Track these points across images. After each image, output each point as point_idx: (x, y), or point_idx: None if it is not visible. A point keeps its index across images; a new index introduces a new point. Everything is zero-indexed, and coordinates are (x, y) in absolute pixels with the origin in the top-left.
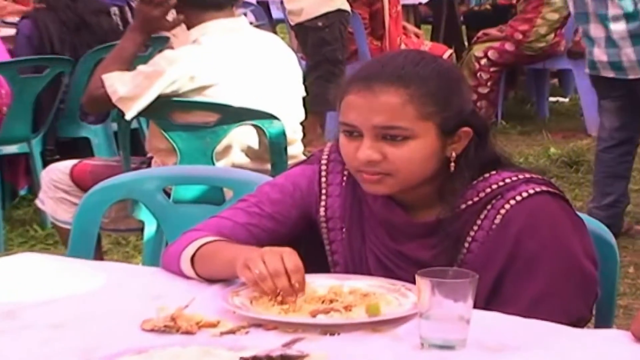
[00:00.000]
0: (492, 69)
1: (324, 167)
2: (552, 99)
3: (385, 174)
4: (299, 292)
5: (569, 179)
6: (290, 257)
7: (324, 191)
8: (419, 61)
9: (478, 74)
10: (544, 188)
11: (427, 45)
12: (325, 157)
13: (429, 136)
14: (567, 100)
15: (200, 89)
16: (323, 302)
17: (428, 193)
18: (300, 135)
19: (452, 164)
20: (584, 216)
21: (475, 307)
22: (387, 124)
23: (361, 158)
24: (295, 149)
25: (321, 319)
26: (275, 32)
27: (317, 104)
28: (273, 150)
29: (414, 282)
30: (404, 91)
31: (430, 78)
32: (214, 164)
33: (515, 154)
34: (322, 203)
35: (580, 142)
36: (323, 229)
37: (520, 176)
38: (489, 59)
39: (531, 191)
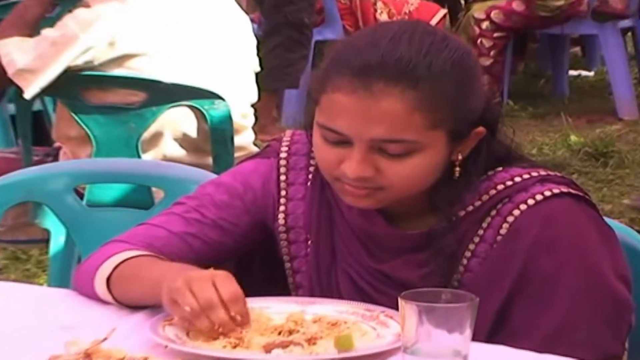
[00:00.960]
0: (496, 35)
1: (283, 162)
2: (572, 72)
3: (376, 188)
4: (244, 325)
5: (594, 175)
6: (224, 284)
7: (283, 193)
8: (429, 46)
9: (478, 41)
10: (564, 189)
11: (412, 3)
12: (285, 148)
13: (436, 146)
14: (591, 74)
15: (123, 59)
16: (280, 333)
17: (419, 200)
18: (252, 120)
19: (457, 169)
20: (613, 223)
21: (476, 339)
22: (388, 137)
23: (348, 173)
24: (245, 139)
25: (278, 354)
26: None
27: (273, 80)
28: (215, 139)
29: (397, 307)
30: (412, 94)
31: (444, 73)
32: (139, 156)
33: (526, 143)
34: (282, 208)
35: (609, 128)
36: (282, 241)
37: (534, 173)
38: (492, 21)
39: (547, 193)
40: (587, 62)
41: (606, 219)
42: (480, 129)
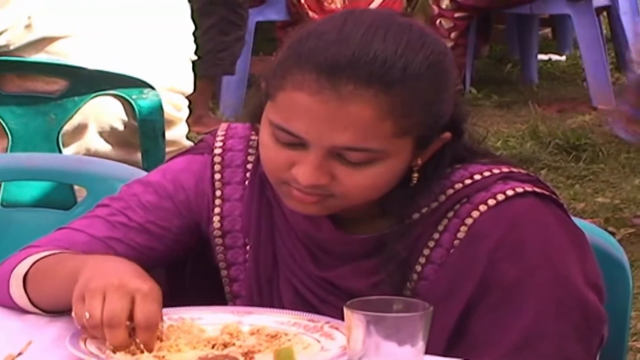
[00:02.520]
0: (457, 15)
1: (217, 159)
2: (542, 57)
3: (328, 195)
4: (148, 348)
5: (566, 171)
6: (143, 305)
7: (218, 193)
8: (405, 45)
9: (437, 22)
10: (528, 187)
11: None
12: (220, 144)
13: (401, 154)
14: (563, 58)
15: (42, 43)
16: (214, 346)
17: (370, 204)
18: (186, 113)
19: (415, 176)
20: (585, 225)
21: (432, 352)
22: (352, 145)
23: (301, 180)
24: (177, 132)
25: None
26: None
27: (207, 66)
28: (145, 132)
29: (343, 318)
30: (384, 99)
31: (419, 76)
32: (60, 151)
33: (490, 135)
34: (217, 210)
35: (582, 118)
36: (218, 246)
37: (495, 171)
38: (453, 0)
39: (510, 192)
40: (558, 45)
41: (577, 220)
42: (447, 134)
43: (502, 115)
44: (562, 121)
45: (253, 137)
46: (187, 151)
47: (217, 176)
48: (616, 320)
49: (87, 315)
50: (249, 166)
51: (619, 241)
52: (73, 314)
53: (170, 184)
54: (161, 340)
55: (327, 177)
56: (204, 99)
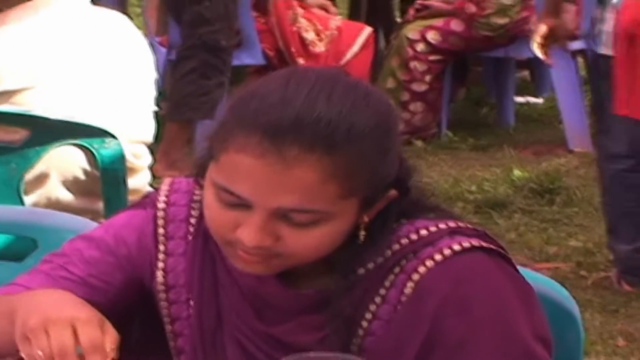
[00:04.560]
0: (432, 58)
1: (161, 214)
2: (519, 99)
3: (273, 255)
4: None
5: (539, 214)
6: (84, 330)
7: (162, 248)
8: (350, 106)
9: (411, 65)
10: (475, 242)
11: (337, 20)
12: (164, 198)
13: (347, 215)
14: (540, 101)
15: (4, 96)
16: None
17: (317, 260)
18: (147, 160)
19: (362, 233)
20: (536, 277)
21: None
22: (297, 207)
23: (245, 241)
24: (139, 180)
25: None
26: (125, 8)
27: (186, 109)
28: (107, 181)
29: None
30: (328, 161)
31: (364, 137)
32: (21, 199)
33: (465, 178)
34: (160, 265)
35: (557, 162)
36: (162, 301)
37: (442, 226)
38: (428, 43)
39: (457, 247)
40: (536, 87)
41: (527, 273)
42: (393, 192)
43: (477, 159)
44: (537, 164)
45: (197, 192)
46: (131, 206)
47: (161, 231)
48: None
49: (40, 353)
50: (193, 220)
51: (590, 286)
52: (24, 355)
53: (112, 239)
54: None
55: (271, 238)
56: (179, 143)
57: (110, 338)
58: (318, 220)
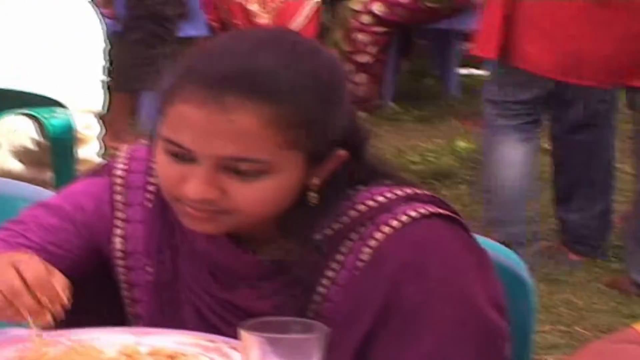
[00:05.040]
0: (376, 30)
1: (119, 181)
2: (463, 71)
3: (221, 212)
4: (56, 305)
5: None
6: (28, 267)
7: (120, 215)
8: (292, 58)
9: (355, 36)
10: (432, 209)
11: None
12: (122, 166)
13: (291, 168)
14: (484, 73)
15: None
16: None
17: (272, 224)
18: (97, 130)
19: (313, 195)
20: (489, 243)
21: None
22: (238, 155)
23: (190, 194)
24: (89, 151)
25: None
26: None
27: (131, 80)
28: (56, 151)
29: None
30: (268, 109)
31: (306, 88)
32: None
33: (408, 149)
34: (119, 232)
35: None
36: (120, 268)
37: (399, 192)
38: (373, 14)
39: (414, 214)
40: (479, 59)
41: (480, 238)
42: (342, 152)
43: (421, 130)
44: (481, 135)
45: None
46: (89, 174)
47: (119, 198)
48: (520, 337)
49: None
50: (151, 188)
51: (533, 255)
52: None
53: (70, 206)
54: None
55: (216, 192)
56: (123, 114)
57: (59, 281)
58: (261, 172)
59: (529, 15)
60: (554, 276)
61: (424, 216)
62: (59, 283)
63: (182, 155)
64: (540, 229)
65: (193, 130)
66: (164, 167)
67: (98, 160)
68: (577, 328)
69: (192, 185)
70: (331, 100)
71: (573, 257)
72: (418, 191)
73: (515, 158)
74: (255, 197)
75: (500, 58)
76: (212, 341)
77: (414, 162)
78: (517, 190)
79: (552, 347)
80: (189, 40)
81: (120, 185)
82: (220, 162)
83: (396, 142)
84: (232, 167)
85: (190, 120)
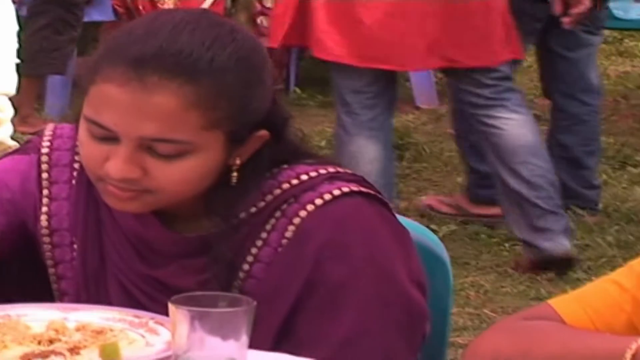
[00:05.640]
0: None
1: (44, 159)
2: None
3: (143, 191)
4: None
5: None
6: None
7: (45, 192)
8: (213, 39)
9: (259, 20)
10: (354, 187)
11: None
12: (47, 144)
13: (212, 149)
14: None
15: None
16: (40, 342)
17: (196, 203)
18: (10, 113)
19: (234, 175)
20: (408, 223)
21: (259, 349)
22: (159, 136)
23: (112, 173)
24: (2, 133)
25: None
26: None
27: (38, 65)
28: None
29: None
30: (190, 90)
31: (227, 69)
32: None
33: (314, 134)
34: (44, 209)
35: (405, 118)
36: (46, 245)
37: (322, 171)
38: None
39: (336, 192)
40: None
41: (401, 218)
42: (263, 132)
43: (326, 115)
44: None
45: None
46: (14, 152)
47: (45, 175)
48: (438, 316)
49: None
50: (76, 165)
51: (441, 239)
52: None
53: None
54: None
55: (138, 171)
56: (30, 98)
57: None
58: (182, 152)
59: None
60: (462, 259)
61: (346, 194)
62: None
63: (104, 135)
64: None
65: (115, 110)
66: (87, 147)
67: (11, 143)
68: (485, 310)
69: (114, 165)
70: (252, 81)
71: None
72: (340, 170)
73: (370, 154)
74: (176, 176)
75: None
76: (137, 317)
77: (320, 147)
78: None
79: (461, 329)
80: (95, 25)
81: (45, 163)
82: (142, 142)
83: (301, 127)
84: (153, 147)
85: (112, 100)
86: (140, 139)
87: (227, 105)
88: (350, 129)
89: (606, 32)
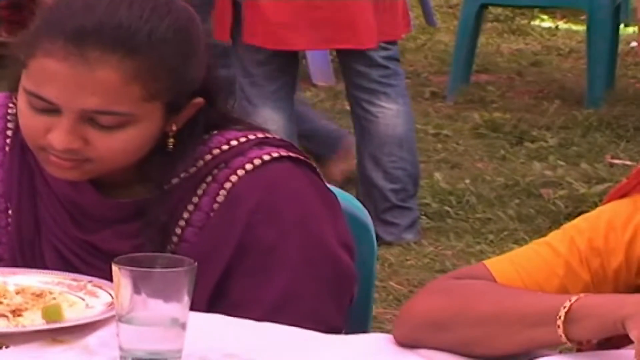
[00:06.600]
0: None
1: None
2: None
3: (83, 160)
4: None
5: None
6: None
7: None
8: (150, 12)
9: None
10: (284, 152)
11: None
12: None
13: (151, 119)
14: None
15: None
16: None
17: (130, 169)
18: None
19: (171, 141)
20: (335, 191)
21: (193, 310)
22: (101, 108)
23: (55, 144)
24: None
25: None
26: None
27: None
28: None
29: (105, 279)
30: (130, 63)
31: (165, 41)
32: None
33: None
34: None
35: (304, 95)
36: None
37: (251, 136)
38: None
39: (266, 157)
40: None
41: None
42: (199, 99)
43: None
44: None
45: (11, 105)
46: None
47: None
48: (363, 281)
49: None
50: (9, 132)
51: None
52: None
53: None
54: None
55: (80, 142)
56: None
57: None
58: (123, 123)
59: None
60: None
61: (275, 159)
62: None
63: (45, 108)
64: None
65: (56, 84)
66: (28, 118)
67: None
68: (391, 283)
69: (56, 136)
70: (189, 52)
71: None
72: (269, 135)
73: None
74: (117, 146)
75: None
76: (76, 280)
77: None
78: None
79: (382, 302)
80: None
81: None
82: (84, 114)
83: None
84: (95, 119)
85: (53, 74)
86: (82, 111)
87: (167, 77)
88: (255, 100)
89: (498, 10)
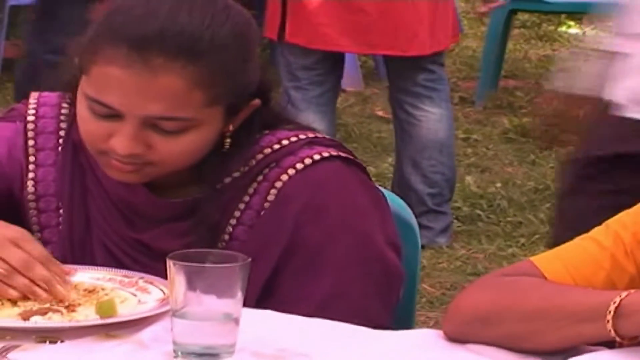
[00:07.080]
0: None
1: (30, 126)
2: None
3: (146, 164)
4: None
5: None
6: (28, 245)
7: (32, 159)
8: (211, 18)
9: None
10: (333, 152)
11: None
12: (32, 111)
13: (213, 122)
14: None
15: None
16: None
17: (185, 170)
18: None
19: (227, 141)
20: (380, 189)
21: (243, 307)
22: (164, 114)
23: (118, 150)
24: None
25: (37, 321)
26: None
27: None
28: None
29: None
30: (193, 70)
31: (226, 47)
32: None
33: None
34: (30, 175)
35: None
36: (32, 210)
37: (302, 136)
38: None
39: (317, 157)
40: None
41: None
42: (256, 101)
43: None
44: None
45: (64, 105)
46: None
47: (31, 142)
48: (408, 280)
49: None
50: (62, 133)
51: None
52: None
53: None
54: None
55: (143, 147)
56: None
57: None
58: (186, 128)
59: None
60: None
61: (325, 158)
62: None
63: (107, 113)
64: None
65: (120, 91)
66: (88, 124)
67: None
68: (424, 286)
69: (120, 141)
70: (248, 55)
71: None
72: (319, 135)
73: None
74: (179, 150)
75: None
76: (127, 276)
77: None
78: None
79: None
80: (18, 8)
81: (32, 130)
82: (147, 120)
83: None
84: (158, 124)
85: (117, 81)
86: (145, 117)
87: (227, 81)
88: (299, 104)
89: (525, 16)
